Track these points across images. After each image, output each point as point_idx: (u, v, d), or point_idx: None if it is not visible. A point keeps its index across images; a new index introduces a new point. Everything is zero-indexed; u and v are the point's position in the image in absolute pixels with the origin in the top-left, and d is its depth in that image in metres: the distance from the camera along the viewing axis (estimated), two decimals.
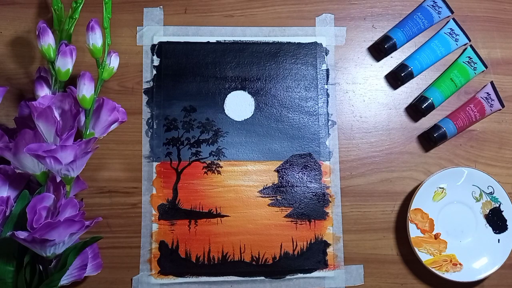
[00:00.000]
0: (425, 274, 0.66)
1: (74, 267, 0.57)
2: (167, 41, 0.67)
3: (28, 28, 0.66)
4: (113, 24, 0.64)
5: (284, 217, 0.66)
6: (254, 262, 0.65)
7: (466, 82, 0.69)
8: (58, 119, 0.54)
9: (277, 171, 0.66)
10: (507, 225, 0.66)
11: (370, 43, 0.70)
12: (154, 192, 0.65)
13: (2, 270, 0.52)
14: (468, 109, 0.68)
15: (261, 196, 0.66)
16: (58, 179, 0.54)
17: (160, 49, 0.67)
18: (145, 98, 0.66)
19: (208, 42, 0.68)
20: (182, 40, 0.68)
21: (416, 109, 0.69)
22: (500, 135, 0.70)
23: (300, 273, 0.65)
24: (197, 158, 0.66)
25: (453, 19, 0.70)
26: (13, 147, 0.52)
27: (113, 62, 0.59)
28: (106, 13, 0.57)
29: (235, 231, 0.65)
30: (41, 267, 0.54)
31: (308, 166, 0.67)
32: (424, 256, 0.64)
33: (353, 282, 0.65)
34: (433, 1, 0.70)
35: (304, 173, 0.67)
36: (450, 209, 0.67)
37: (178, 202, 0.65)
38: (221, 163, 0.66)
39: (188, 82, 0.67)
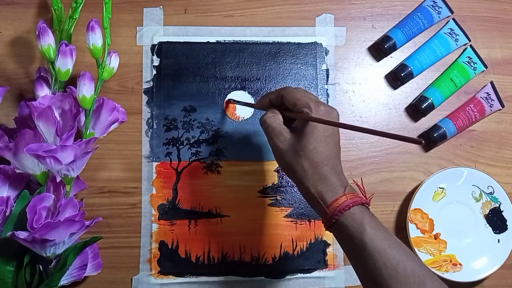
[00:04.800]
0: None
1: (74, 267, 0.57)
2: (167, 41, 0.67)
3: (28, 28, 0.66)
4: (113, 24, 0.64)
5: (284, 217, 0.66)
6: (254, 262, 0.65)
7: (466, 82, 0.69)
8: (58, 119, 0.54)
9: (277, 171, 0.66)
10: (507, 225, 0.66)
11: (370, 43, 0.70)
12: (154, 192, 0.65)
13: (2, 270, 0.51)
14: (468, 109, 0.68)
15: (261, 196, 0.66)
16: (58, 179, 0.54)
17: (160, 49, 0.67)
18: (145, 98, 0.66)
19: (208, 42, 0.68)
20: (182, 40, 0.68)
21: (416, 109, 0.69)
22: (500, 135, 0.70)
23: (300, 273, 0.65)
24: (197, 158, 0.66)
25: (453, 19, 0.70)
26: (13, 147, 0.52)
27: (113, 62, 0.59)
28: (106, 13, 0.57)
29: (235, 231, 0.65)
30: (41, 267, 0.54)
31: None
32: (424, 256, 0.64)
33: (353, 282, 0.65)
34: (433, 1, 0.70)
35: None
36: (450, 209, 0.67)
37: (178, 202, 0.65)
38: (221, 163, 0.66)
39: (188, 82, 0.67)
